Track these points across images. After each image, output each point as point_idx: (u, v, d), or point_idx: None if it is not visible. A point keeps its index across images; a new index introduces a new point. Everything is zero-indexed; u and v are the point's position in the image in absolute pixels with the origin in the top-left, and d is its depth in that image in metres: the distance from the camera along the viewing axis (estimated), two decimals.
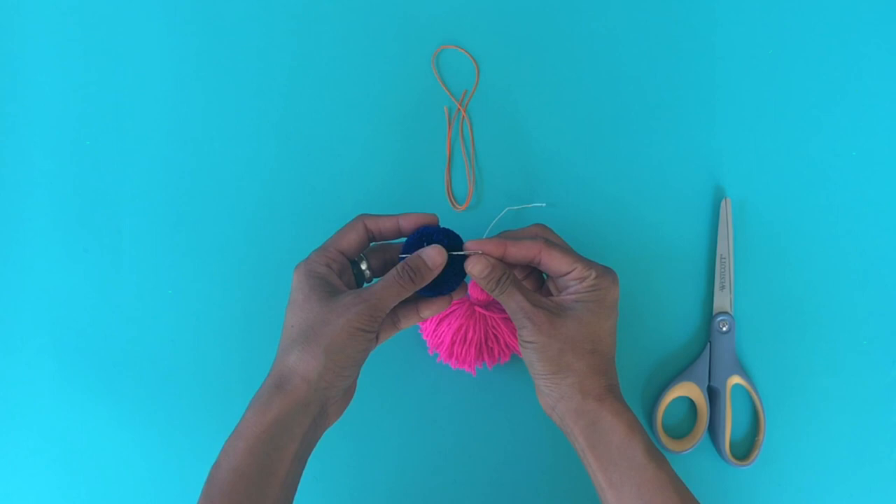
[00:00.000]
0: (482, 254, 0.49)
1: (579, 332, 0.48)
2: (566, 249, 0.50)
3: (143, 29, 0.65)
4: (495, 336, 0.57)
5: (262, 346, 0.60)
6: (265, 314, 0.61)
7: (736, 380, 0.59)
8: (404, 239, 0.51)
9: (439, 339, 0.57)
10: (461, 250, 0.50)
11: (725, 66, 0.63)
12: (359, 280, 0.52)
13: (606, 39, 0.63)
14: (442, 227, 0.51)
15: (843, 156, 0.62)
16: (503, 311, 0.56)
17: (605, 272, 0.50)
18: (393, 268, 0.48)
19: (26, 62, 0.65)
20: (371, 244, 0.53)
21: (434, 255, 0.48)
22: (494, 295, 0.49)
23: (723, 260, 0.61)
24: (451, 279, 0.50)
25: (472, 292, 0.56)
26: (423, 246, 0.49)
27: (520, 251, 0.49)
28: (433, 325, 0.57)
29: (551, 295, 0.53)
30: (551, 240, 0.51)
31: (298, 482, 0.49)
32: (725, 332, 0.60)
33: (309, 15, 0.64)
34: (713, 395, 0.60)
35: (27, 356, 0.62)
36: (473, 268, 0.49)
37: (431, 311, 0.52)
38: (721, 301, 0.60)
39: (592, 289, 0.49)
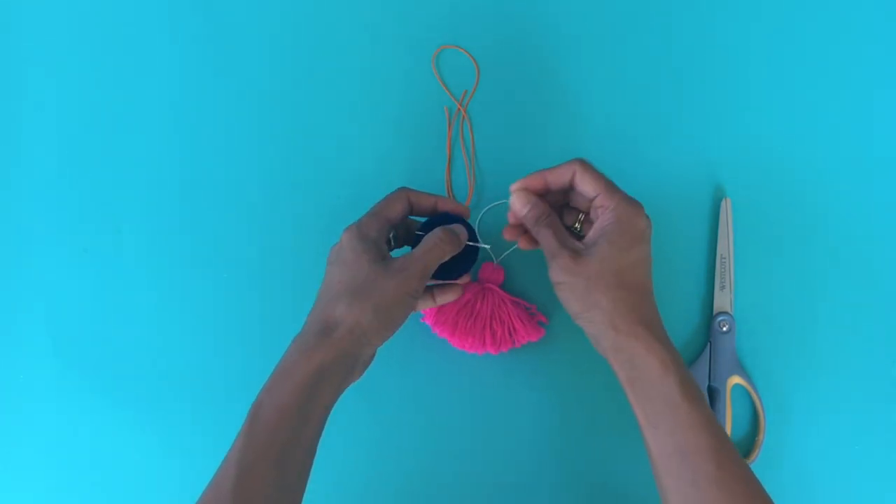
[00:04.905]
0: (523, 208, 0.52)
1: (603, 267, 0.48)
2: (599, 175, 0.51)
3: (142, 27, 0.65)
4: (500, 318, 0.57)
5: (262, 345, 0.61)
6: (266, 313, 0.61)
7: (736, 380, 0.59)
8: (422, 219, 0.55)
9: (445, 315, 0.58)
10: (475, 242, 0.55)
11: (725, 66, 0.63)
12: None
13: (606, 40, 0.63)
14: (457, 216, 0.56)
15: (844, 156, 0.62)
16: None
17: (628, 202, 0.49)
18: (427, 235, 0.51)
19: (27, 62, 0.65)
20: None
21: (462, 229, 0.53)
22: (533, 233, 0.51)
23: (723, 260, 0.61)
24: (460, 264, 0.54)
25: (483, 274, 0.58)
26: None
27: (556, 176, 0.51)
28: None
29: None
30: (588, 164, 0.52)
31: (321, 435, 0.49)
32: (725, 332, 0.60)
33: (309, 16, 0.64)
34: (713, 395, 0.60)
35: (27, 356, 0.62)
36: (515, 203, 0.52)
37: (444, 299, 0.56)
38: (721, 301, 0.60)
39: (613, 220, 0.49)
